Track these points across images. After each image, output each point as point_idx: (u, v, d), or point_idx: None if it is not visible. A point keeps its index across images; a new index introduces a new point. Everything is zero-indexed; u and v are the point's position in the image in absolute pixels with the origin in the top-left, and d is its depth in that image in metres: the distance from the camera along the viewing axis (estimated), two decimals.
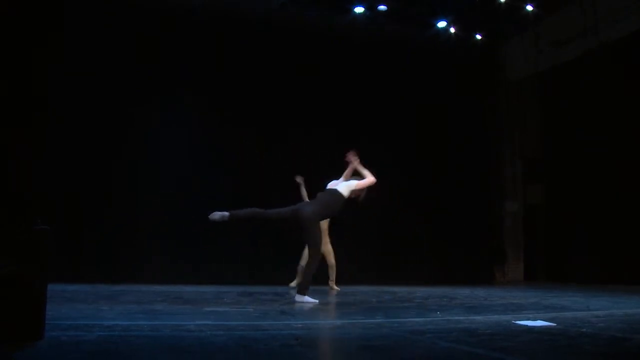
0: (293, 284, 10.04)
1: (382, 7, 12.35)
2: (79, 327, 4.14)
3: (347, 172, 7.52)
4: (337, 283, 10.04)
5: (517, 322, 5.01)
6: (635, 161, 12.04)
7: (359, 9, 12.39)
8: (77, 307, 5.80)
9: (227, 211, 6.82)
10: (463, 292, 9.68)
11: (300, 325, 4.64)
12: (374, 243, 12.48)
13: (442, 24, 13.09)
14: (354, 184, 7.28)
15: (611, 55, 12.33)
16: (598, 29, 12.19)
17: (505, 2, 12.30)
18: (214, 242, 11.01)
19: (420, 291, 9.81)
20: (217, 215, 6.81)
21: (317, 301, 6.95)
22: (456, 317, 5.50)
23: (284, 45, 12.28)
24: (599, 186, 12.89)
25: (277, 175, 11.61)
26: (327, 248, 9.67)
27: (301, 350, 3.47)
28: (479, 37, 13.78)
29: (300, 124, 12.30)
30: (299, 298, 7.01)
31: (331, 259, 9.87)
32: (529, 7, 12.54)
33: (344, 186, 7.26)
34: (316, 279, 7.54)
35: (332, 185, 7.43)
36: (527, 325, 4.78)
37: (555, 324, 4.83)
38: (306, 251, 8.96)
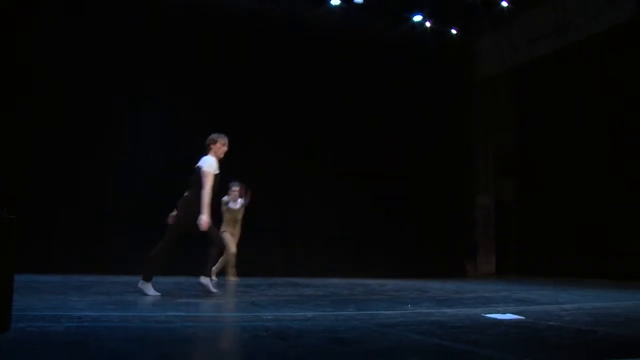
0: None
1: (358, 0, 12.35)
2: (47, 318, 4.09)
3: None
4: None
5: (486, 315, 5.05)
6: (607, 157, 12.20)
7: (335, 1, 12.37)
8: (46, 297, 5.73)
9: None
10: (435, 286, 9.75)
11: (270, 317, 4.64)
12: (346, 236, 12.52)
13: (417, 18, 13.13)
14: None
15: (584, 53, 12.48)
16: (571, 26, 12.32)
17: None
18: (187, 234, 10.95)
19: (392, 284, 9.86)
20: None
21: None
22: (427, 310, 5.54)
23: (260, 39, 12.29)
24: (571, 181, 13.04)
25: (251, 171, 11.62)
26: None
27: (271, 342, 3.47)
28: (454, 31, 13.85)
29: (271, 118, 12.32)
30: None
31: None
32: (504, 3, 12.62)
33: None
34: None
35: None
36: (496, 319, 4.83)
37: (524, 318, 4.88)
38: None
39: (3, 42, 10.25)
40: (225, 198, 9.81)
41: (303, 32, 12.60)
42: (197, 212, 6.41)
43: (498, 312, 5.30)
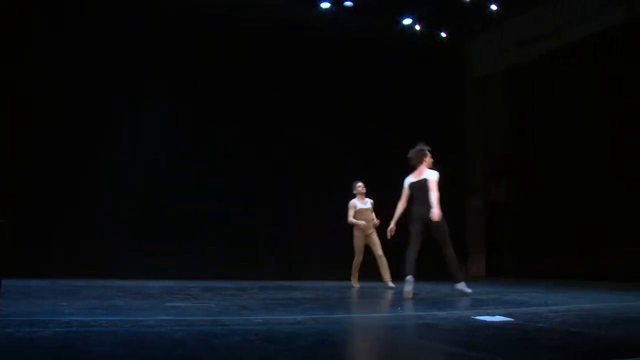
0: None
1: (348, 3, 12.38)
2: (35, 323, 4.06)
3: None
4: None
5: (476, 317, 5.06)
6: (600, 158, 12.19)
7: (325, 4, 12.39)
8: (34, 302, 5.69)
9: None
10: (426, 288, 9.77)
11: (260, 321, 4.63)
12: (337, 239, 12.48)
13: (407, 21, 13.16)
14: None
15: (576, 53, 12.53)
16: (563, 28, 12.39)
17: (471, 0, 12.44)
18: (177, 237, 10.98)
19: (382, 287, 9.87)
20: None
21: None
22: (418, 313, 5.55)
23: (260, 40, 12.35)
24: (564, 183, 13.03)
25: (250, 171, 11.65)
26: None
27: (261, 346, 3.46)
28: (444, 34, 13.89)
29: (268, 118, 12.33)
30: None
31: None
32: (494, 7, 12.68)
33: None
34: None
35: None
36: (486, 321, 4.84)
37: (513, 319, 4.89)
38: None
39: (3, 42, 10.22)
40: (352, 201, 9.70)
41: (303, 32, 12.63)
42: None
43: (488, 314, 5.30)
